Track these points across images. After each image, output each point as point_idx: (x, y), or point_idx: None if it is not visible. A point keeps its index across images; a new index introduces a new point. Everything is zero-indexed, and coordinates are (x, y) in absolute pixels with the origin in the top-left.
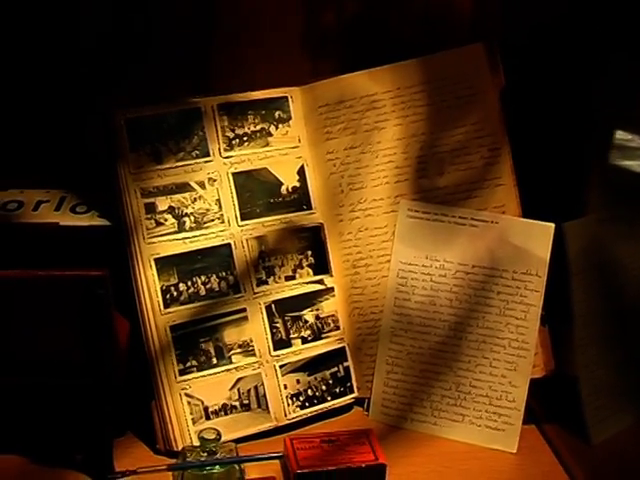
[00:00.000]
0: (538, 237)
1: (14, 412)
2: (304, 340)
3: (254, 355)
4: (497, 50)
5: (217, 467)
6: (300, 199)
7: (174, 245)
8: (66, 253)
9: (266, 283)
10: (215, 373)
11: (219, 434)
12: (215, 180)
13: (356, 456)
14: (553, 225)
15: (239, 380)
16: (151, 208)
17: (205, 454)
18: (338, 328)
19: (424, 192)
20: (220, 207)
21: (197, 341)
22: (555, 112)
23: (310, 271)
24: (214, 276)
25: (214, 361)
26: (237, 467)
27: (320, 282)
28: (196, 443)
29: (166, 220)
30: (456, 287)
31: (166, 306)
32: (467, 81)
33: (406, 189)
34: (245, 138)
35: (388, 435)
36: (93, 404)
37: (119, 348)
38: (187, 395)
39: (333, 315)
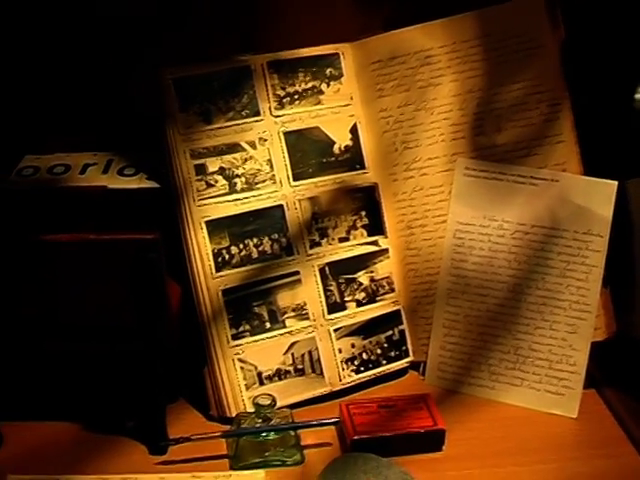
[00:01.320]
0: (600, 195)
1: (66, 379)
2: (359, 303)
3: (308, 319)
4: (557, 1)
5: (272, 434)
6: (353, 158)
7: (225, 207)
8: (114, 217)
9: (319, 245)
10: (268, 337)
11: (274, 400)
12: (266, 140)
13: (414, 421)
14: (616, 183)
15: (293, 344)
16: (201, 169)
17: (260, 420)
18: (393, 290)
19: (481, 150)
20: (271, 167)
21: (250, 305)
22: (616, 65)
23: (364, 232)
24: (266, 238)
25: (267, 325)
26: (292, 434)
27: (374, 243)
28: (250, 409)
29: (217, 181)
30: (515, 248)
31: (218, 270)
32: (526, 34)
33: (463, 147)
34: (296, 96)
35: (445, 400)
36: (145, 370)
37: (171, 313)
38: (240, 360)
39: (388, 277)
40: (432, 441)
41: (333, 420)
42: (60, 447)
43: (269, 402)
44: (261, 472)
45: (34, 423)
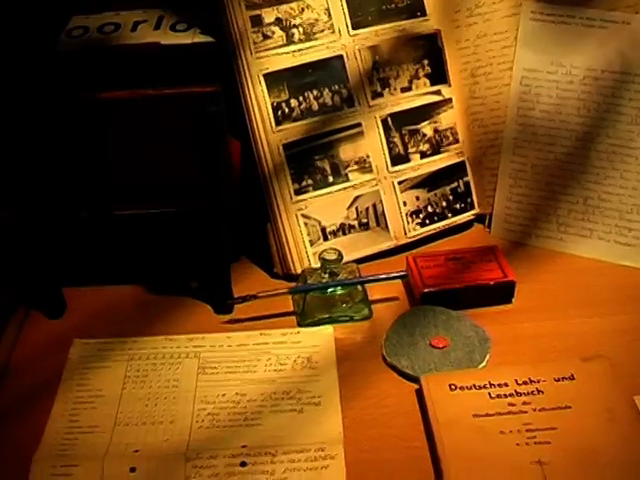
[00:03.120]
0: None
1: (128, 242)
2: (422, 155)
3: (371, 172)
4: None
5: (339, 289)
6: (413, 5)
7: (283, 59)
8: (169, 74)
9: (381, 95)
10: (332, 192)
11: (340, 254)
12: None
13: (483, 273)
14: None
15: (357, 198)
16: (257, 21)
17: (326, 276)
18: (457, 141)
19: None
20: (330, 16)
21: (312, 159)
22: None
23: (427, 81)
24: (326, 90)
25: (330, 179)
26: (360, 288)
27: (437, 93)
28: (315, 265)
29: (273, 33)
30: (584, 94)
31: (278, 123)
32: None
33: None
34: None
35: (512, 252)
36: (208, 229)
37: (232, 169)
38: (304, 216)
39: (452, 128)
40: (502, 293)
41: (401, 273)
42: (125, 310)
43: (335, 257)
44: (329, 328)
45: (97, 287)
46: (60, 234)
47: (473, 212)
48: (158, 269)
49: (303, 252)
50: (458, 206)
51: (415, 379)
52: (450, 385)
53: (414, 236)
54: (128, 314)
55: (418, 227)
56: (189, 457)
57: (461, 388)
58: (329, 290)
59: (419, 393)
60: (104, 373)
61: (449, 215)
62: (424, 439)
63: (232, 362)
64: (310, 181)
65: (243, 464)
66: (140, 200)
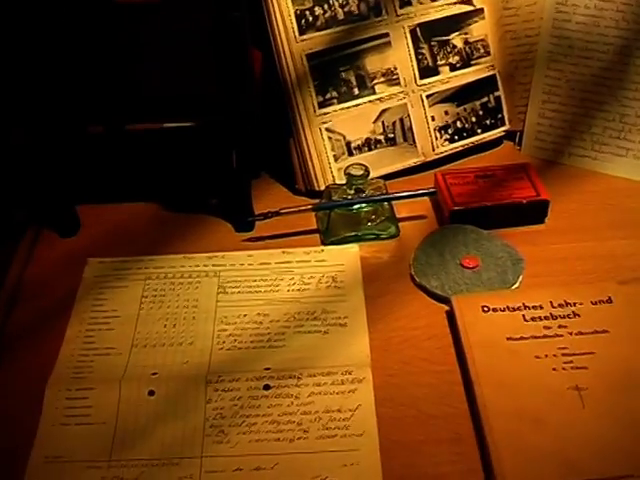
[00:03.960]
0: None
1: (144, 158)
2: (452, 67)
3: (399, 84)
4: None
5: (365, 206)
6: None
7: None
8: None
9: (410, 4)
10: (357, 105)
11: (367, 170)
12: None
13: (515, 192)
14: None
15: (383, 112)
16: None
17: (352, 192)
18: (488, 54)
19: None
20: None
21: (336, 70)
22: None
23: None
24: None
25: (356, 92)
26: (386, 206)
27: (468, 2)
28: (339, 181)
29: None
30: (623, 5)
31: (301, 33)
32: None
33: None
34: None
35: (544, 171)
36: (227, 143)
37: (254, 80)
38: (328, 130)
39: (483, 39)
40: (535, 213)
41: (430, 190)
42: (141, 228)
43: (362, 172)
44: (354, 246)
45: (112, 205)
46: (72, 150)
47: (503, 128)
48: (175, 185)
49: (327, 168)
50: (488, 122)
51: (445, 300)
52: (482, 306)
53: (442, 152)
54: (144, 232)
55: (446, 143)
56: (210, 380)
57: (494, 310)
58: (355, 207)
59: (450, 315)
60: (120, 293)
61: (478, 131)
62: (455, 362)
63: (253, 281)
64: (334, 93)
65: (266, 387)
66: (155, 114)
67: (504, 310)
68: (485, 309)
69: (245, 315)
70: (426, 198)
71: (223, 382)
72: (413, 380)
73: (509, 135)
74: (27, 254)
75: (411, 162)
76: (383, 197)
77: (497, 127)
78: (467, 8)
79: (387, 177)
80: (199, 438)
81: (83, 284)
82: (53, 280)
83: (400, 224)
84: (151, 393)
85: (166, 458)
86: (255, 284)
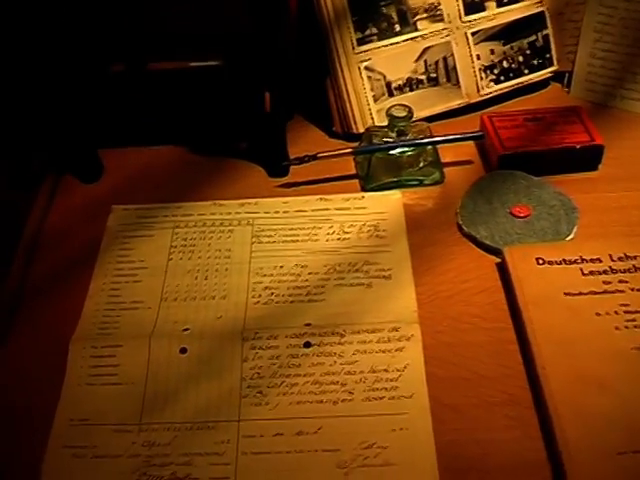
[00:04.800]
0: None
1: (170, 99)
2: (499, 3)
3: (442, 21)
4: None
5: (409, 150)
6: None
7: None
8: None
9: None
10: (398, 42)
11: (411, 111)
12: None
13: (568, 136)
14: None
15: (426, 50)
16: None
17: (394, 135)
18: None
19: None
20: None
21: (377, 5)
22: None
23: None
24: None
25: (397, 28)
26: (431, 150)
27: None
28: (378, 123)
29: None
30: None
31: None
32: None
33: None
34: None
35: (594, 114)
36: (261, 83)
37: (289, 14)
38: (367, 69)
39: None
40: (588, 159)
41: (477, 133)
42: (167, 173)
43: (405, 113)
44: (397, 193)
45: (137, 148)
46: (94, 90)
47: (552, 69)
48: (203, 128)
49: (366, 109)
50: (535, 62)
51: (496, 251)
52: (537, 259)
53: (487, 94)
54: (171, 177)
55: (492, 84)
56: (246, 337)
57: (549, 262)
58: (397, 151)
59: (501, 267)
60: (147, 242)
61: (525, 72)
62: (509, 319)
63: (290, 230)
64: (374, 30)
65: (307, 345)
66: (181, 52)
67: (560, 263)
68: (540, 262)
69: (282, 266)
70: (471, 142)
71: (260, 339)
72: (464, 338)
73: (557, 76)
74: (47, 202)
75: (454, 104)
76: (428, 140)
77: (545, 67)
78: None
79: (428, 120)
80: (236, 400)
81: (107, 233)
82: (75, 229)
83: (445, 169)
84: (183, 351)
85: (200, 421)
86: (291, 233)
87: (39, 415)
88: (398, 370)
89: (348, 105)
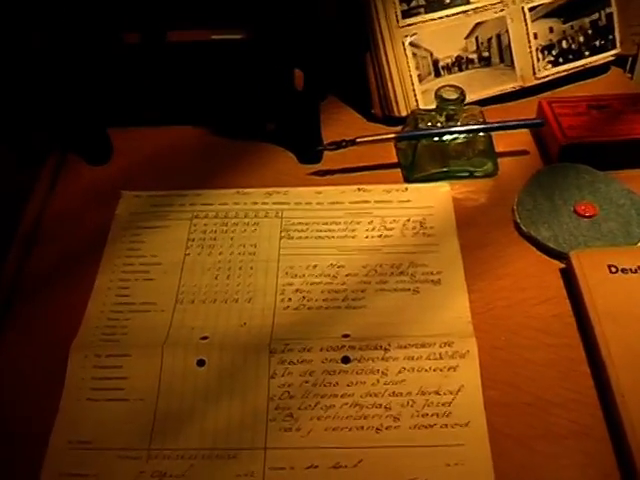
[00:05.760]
0: None
1: (189, 74)
2: None
3: None
4: None
5: (459, 137)
6: None
7: None
8: None
9: None
10: (447, 16)
11: (463, 93)
12: None
13: (637, 127)
14: None
15: (477, 26)
16: None
17: (442, 119)
18: None
19: None
20: None
21: None
22: None
23: None
24: None
25: (446, 0)
26: (482, 138)
27: None
28: (423, 106)
29: None
30: None
31: None
32: None
33: None
34: None
35: None
36: (292, 57)
37: None
38: (412, 44)
39: None
40: None
41: (537, 120)
42: (185, 156)
43: (457, 96)
44: (445, 185)
45: (151, 128)
46: (105, 63)
47: (614, 52)
48: (227, 107)
49: (410, 89)
50: (597, 43)
51: (559, 255)
52: (609, 266)
53: (544, 77)
54: (190, 161)
55: (550, 66)
56: (274, 348)
57: (623, 270)
58: (446, 138)
59: (566, 274)
60: (161, 235)
61: (586, 54)
62: (577, 335)
63: (324, 224)
64: (422, 1)
65: (345, 360)
66: (203, 21)
67: (635, 271)
68: (612, 269)
69: (315, 266)
70: (526, 131)
71: (291, 352)
72: (525, 356)
73: (619, 60)
74: (49, 186)
75: (508, 87)
76: (482, 126)
77: (607, 50)
78: None
79: (480, 103)
80: (262, 424)
81: (116, 223)
82: (79, 218)
83: (498, 160)
84: (201, 363)
85: (220, 449)
86: (326, 228)
87: (32, 434)
88: (451, 392)
89: (390, 85)
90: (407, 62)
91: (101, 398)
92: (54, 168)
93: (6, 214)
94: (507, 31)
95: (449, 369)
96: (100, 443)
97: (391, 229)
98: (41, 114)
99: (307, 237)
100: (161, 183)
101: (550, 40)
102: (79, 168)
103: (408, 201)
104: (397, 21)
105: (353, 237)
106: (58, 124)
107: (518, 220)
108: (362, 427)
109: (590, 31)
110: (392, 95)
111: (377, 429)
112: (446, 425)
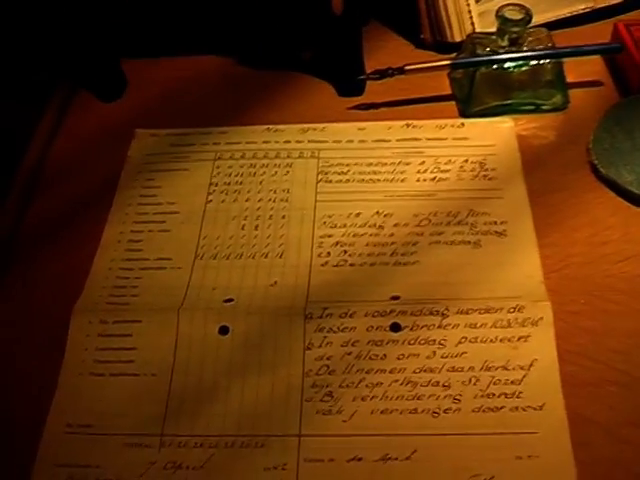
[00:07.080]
0: None
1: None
2: None
3: None
4: None
5: (522, 64)
6: None
7: None
8: None
9: None
10: None
11: (529, 13)
12: None
13: None
14: None
15: None
16: None
17: (505, 44)
18: None
19: None
20: None
21: None
22: None
23: None
24: None
25: None
26: (549, 66)
27: None
28: (479, 29)
29: None
30: None
31: None
32: None
33: None
34: None
35: None
36: None
37: None
38: None
39: None
40: None
41: (614, 45)
42: (207, 90)
43: (522, 16)
44: (508, 120)
45: (168, 59)
46: None
47: None
48: (255, 33)
49: (465, 10)
50: None
51: None
52: None
53: None
54: (213, 95)
55: None
56: (311, 314)
57: None
58: (508, 65)
59: None
60: (179, 178)
61: None
62: None
63: (367, 165)
64: None
65: (395, 327)
66: None
67: None
68: None
69: (358, 214)
70: (598, 59)
71: (330, 317)
72: (610, 323)
73: None
74: (54, 123)
75: (579, 8)
76: (551, 52)
77: None
78: None
79: (545, 27)
80: (295, 405)
81: (128, 165)
82: (87, 159)
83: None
84: (224, 330)
85: (246, 435)
86: (370, 170)
87: (24, 417)
88: (522, 368)
89: (442, 6)
90: None
91: (106, 372)
92: (60, 104)
93: (3, 156)
94: None
95: (519, 339)
96: (104, 427)
97: (446, 171)
98: (47, 43)
99: (348, 180)
100: (180, 120)
101: None
102: (88, 104)
103: (465, 139)
104: None
105: (402, 180)
106: (65, 54)
107: (595, 161)
108: (415, 410)
109: None
110: (444, 17)
111: (434, 412)
112: (516, 408)
